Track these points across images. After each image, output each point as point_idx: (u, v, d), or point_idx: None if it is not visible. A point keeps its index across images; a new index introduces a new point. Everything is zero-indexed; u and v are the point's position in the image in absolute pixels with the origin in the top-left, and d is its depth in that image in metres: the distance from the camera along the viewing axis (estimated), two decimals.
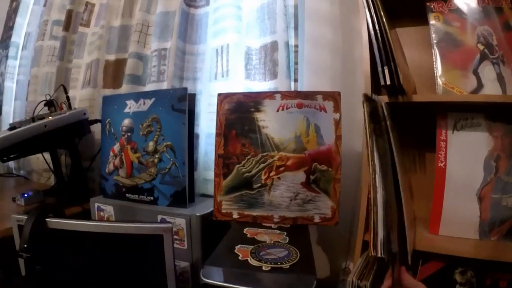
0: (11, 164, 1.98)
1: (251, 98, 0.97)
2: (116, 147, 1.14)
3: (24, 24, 2.09)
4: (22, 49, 2.06)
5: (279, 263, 0.70)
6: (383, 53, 0.80)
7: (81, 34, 1.65)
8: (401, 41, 1.04)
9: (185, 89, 1.03)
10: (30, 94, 1.86)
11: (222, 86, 1.19)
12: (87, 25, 1.65)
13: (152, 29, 1.37)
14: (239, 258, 0.72)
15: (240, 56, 1.19)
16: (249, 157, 0.94)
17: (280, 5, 1.10)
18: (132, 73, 1.37)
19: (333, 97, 0.93)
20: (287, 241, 0.82)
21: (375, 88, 0.89)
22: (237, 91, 1.06)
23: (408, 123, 0.98)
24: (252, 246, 0.78)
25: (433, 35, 0.94)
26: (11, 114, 2.05)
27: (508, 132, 0.86)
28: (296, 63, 1.14)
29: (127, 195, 1.11)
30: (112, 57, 1.48)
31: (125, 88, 1.36)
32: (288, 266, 0.69)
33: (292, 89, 1.11)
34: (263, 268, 0.68)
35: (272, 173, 0.93)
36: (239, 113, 0.96)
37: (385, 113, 0.79)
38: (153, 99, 1.07)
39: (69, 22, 1.69)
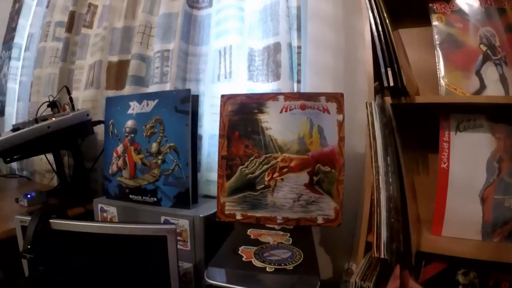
0: (14, 164, 1.99)
1: (254, 100, 0.97)
2: (120, 148, 1.14)
3: (27, 26, 2.10)
4: (25, 50, 2.07)
5: (282, 264, 0.70)
6: (387, 55, 0.80)
7: (84, 35, 1.65)
8: (403, 42, 1.04)
9: (188, 90, 1.03)
10: (33, 95, 1.87)
11: (225, 87, 1.19)
12: (90, 26, 1.66)
13: (155, 31, 1.37)
14: (243, 259, 0.73)
15: (243, 58, 1.19)
16: (252, 158, 0.95)
17: (283, 6, 1.11)
18: (135, 74, 1.38)
19: (336, 98, 0.94)
20: (290, 242, 0.82)
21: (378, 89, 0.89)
22: (240, 93, 1.06)
23: (410, 124, 0.98)
24: (256, 247, 0.78)
25: (436, 36, 0.94)
26: (14, 115, 2.06)
27: (511, 133, 0.86)
28: (299, 65, 1.14)
29: (130, 196, 1.11)
30: (115, 59, 1.49)
31: (128, 89, 1.37)
32: (292, 267, 0.69)
33: (295, 90, 1.11)
34: (267, 269, 0.68)
35: (276, 175, 0.93)
36: (242, 114, 0.97)
37: (391, 113, 0.79)
38: (156, 101, 1.07)
39: (72, 24, 1.69)
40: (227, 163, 0.96)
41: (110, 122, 1.18)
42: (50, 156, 1.51)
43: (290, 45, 1.10)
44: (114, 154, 1.16)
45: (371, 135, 0.81)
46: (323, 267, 1.19)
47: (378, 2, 0.83)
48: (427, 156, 1.03)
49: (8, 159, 1.17)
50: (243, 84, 1.18)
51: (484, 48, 0.89)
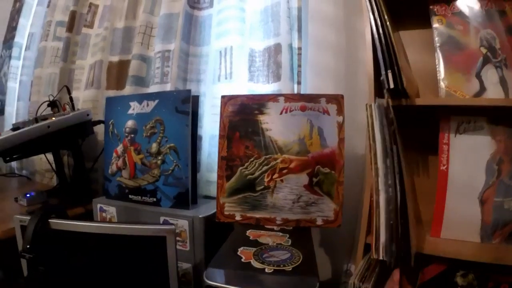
0: (14, 164, 1.98)
1: (254, 101, 0.97)
2: (119, 148, 1.14)
3: (27, 25, 2.10)
4: (25, 50, 2.07)
5: (282, 265, 0.70)
6: (387, 57, 0.80)
7: (84, 35, 1.65)
8: (404, 44, 1.04)
9: (189, 91, 1.03)
10: (33, 95, 1.86)
11: (226, 88, 1.19)
12: (90, 26, 1.66)
13: (156, 31, 1.37)
14: (242, 260, 0.73)
15: (243, 58, 1.19)
16: (252, 159, 0.95)
17: (283, 7, 1.11)
18: (135, 74, 1.38)
19: (337, 100, 0.94)
20: (289, 243, 0.82)
21: (378, 91, 0.89)
22: (241, 94, 1.07)
23: (410, 126, 0.98)
24: (255, 248, 0.78)
25: (436, 38, 0.94)
26: (14, 114, 2.06)
27: (511, 136, 0.86)
28: (299, 66, 1.14)
29: (130, 196, 1.11)
30: (115, 59, 1.49)
31: (128, 90, 1.37)
32: (290, 269, 0.69)
33: (295, 91, 1.11)
34: (266, 270, 0.68)
35: (275, 176, 0.93)
36: (242, 115, 0.97)
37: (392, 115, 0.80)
38: (156, 101, 1.07)
39: (73, 23, 1.69)
40: (227, 164, 0.96)
41: (110, 122, 1.18)
42: (49, 156, 1.51)
43: (290, 46, 1.10)
44: (114, 154, 1.16)
45: (370, 137, 0.82)
46: (322, 268, 1.19)
47: (378, 4, 0.83)
48: (427, 158, 1.03)
49: (8, 158, 1.17)
50: (244, 85, 1.18)
51: (484, 50, 0.89)
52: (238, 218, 0.95)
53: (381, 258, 0.78)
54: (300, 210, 0.93)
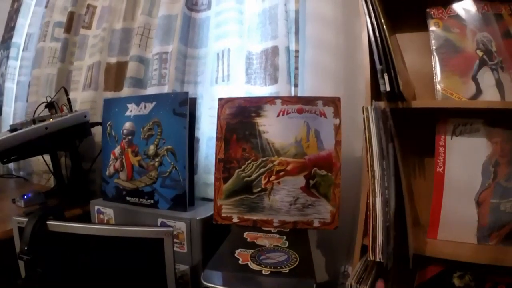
0: (11, 165, 1.98)
1: (252, 103, 0.97)
2: (117, 150, 1.14)
3: (25, 25, 2.09)
4: (23, 50, 2.06)
5: (278, 267, 0.70)
6: (383, 60, 0.80)
7: (82, 36, 1.65)
8: (401, 47, 1.04)
9: (186, 93, 1.03)
10: (31, 96, 1.86)
11: (223, 90, 1.19)
12: (88, 27, 1.65)
13: (154, 33, 1.37)
14: (239, 262, 0.73)
15: (241, 61, 1.19)
16: (249, 161, 0.95)
17: (281, 10, 1.11)
18: (133, 76, 1.38)
19: (333, 102, 0.94)
20: (286, 245, 0.83)
21: (375, 93, 0.90)
22: (238, 96, 1.07)
23: (407, 129, 0.98)
24: (252, 250, 0.78)
25: (433, 41, 0.95)
26: (11, 115, 2.05)
27: (508, 138, 0.86)
28: (296, 68, 1.14)
29: (127, 198, 1.11)
30: (113, 60, 1.48)
31: (126, 91, 1.37)
32: (287, 270, 0.69)
33: (292, 94, 1.11)
34: (263, 272, 0.69)
35: (272, 178, 0.94)
36: (240, 117, 0.97)
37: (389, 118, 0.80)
38: (154, 103, 1.08)
39: (71, 24, 1.69)
40: (225, 166, 0.96)
41: (108, 124, 1.17)
42: (47, 157, 1.51)
43: (288, 49, 1.10)
44: (112, 156, 1.16)
45: (367, 139, 0.82)
46: (320, 269, 1.19)
47: (375, 7, 0.83)
48: (423, 160, 1.03)
49: (5, 160, 1.17)
50: (241, 87, 1.18)
51: (480, 53, 0.90)
52: (235, 220, 0.95)
53: (377, 259, 0.78)
54: (297, 212, 0.93)
